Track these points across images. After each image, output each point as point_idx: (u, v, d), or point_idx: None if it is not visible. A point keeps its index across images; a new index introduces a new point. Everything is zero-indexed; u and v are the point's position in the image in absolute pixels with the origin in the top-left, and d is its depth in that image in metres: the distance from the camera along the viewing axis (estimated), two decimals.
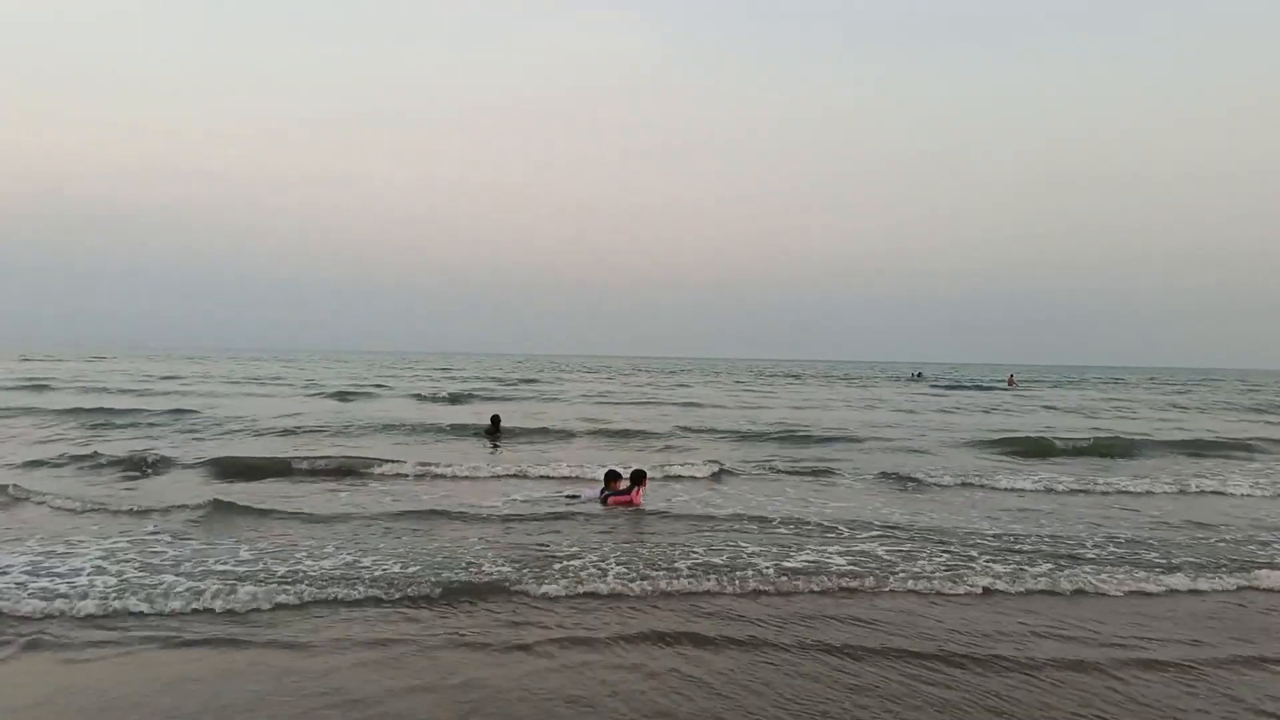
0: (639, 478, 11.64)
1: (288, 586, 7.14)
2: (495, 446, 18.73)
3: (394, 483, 13.66)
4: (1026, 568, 8.36)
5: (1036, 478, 15.06)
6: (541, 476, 14.40)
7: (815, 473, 15.56)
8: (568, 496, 12.08)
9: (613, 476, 11.72)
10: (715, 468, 15.37)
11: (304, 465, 14.77)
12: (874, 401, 40.69)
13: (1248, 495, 14.02)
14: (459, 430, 21.36)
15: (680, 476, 14.73)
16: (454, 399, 35.61)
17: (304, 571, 7.66)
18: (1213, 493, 14.19)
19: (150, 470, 14.39)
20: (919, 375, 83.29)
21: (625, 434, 21.85)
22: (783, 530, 10.11)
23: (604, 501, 11.33)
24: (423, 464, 14.87)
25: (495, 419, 20.52)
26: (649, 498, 11.91)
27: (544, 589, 7.31)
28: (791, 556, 8.64)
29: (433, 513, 10.71)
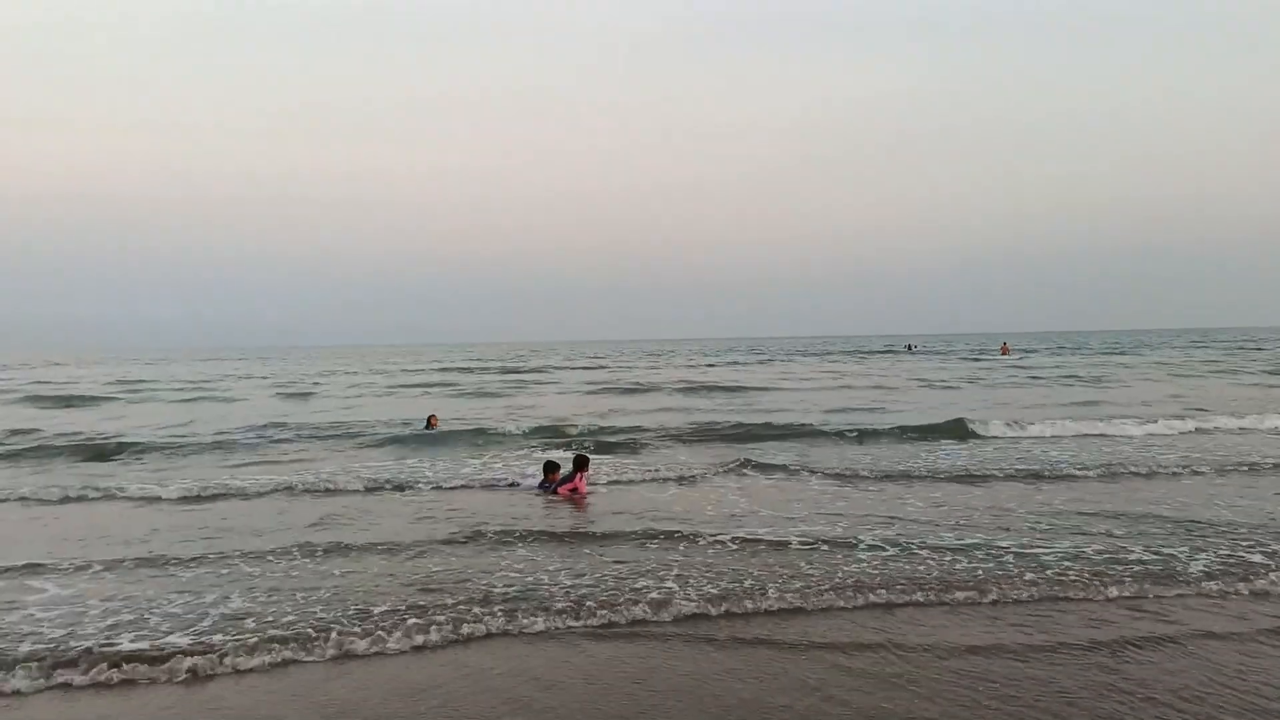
0: (581, 464, 11.51)
1: None
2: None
3: None
4: None
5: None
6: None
7: None
8: (509, 485, 12.31)
9: (551, 468, 11.78)
10: None
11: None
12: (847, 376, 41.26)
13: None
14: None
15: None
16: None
17: None
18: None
19: None
20: (911, 348, 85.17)
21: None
22: None
23: (552, 491, 11.34)
24: None
25: (431, 417, 20.84)
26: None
27: None
28: None
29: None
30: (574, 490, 11.21)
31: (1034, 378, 37.36)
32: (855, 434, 17.71)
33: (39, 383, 45.26)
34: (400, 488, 12.28)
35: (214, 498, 11.62)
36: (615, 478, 12.73)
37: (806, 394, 31.24)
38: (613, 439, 17.59)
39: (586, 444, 16.68)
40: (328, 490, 12.09)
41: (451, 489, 12.28)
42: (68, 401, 32.33)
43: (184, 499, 11.56)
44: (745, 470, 13.38)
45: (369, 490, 12.11)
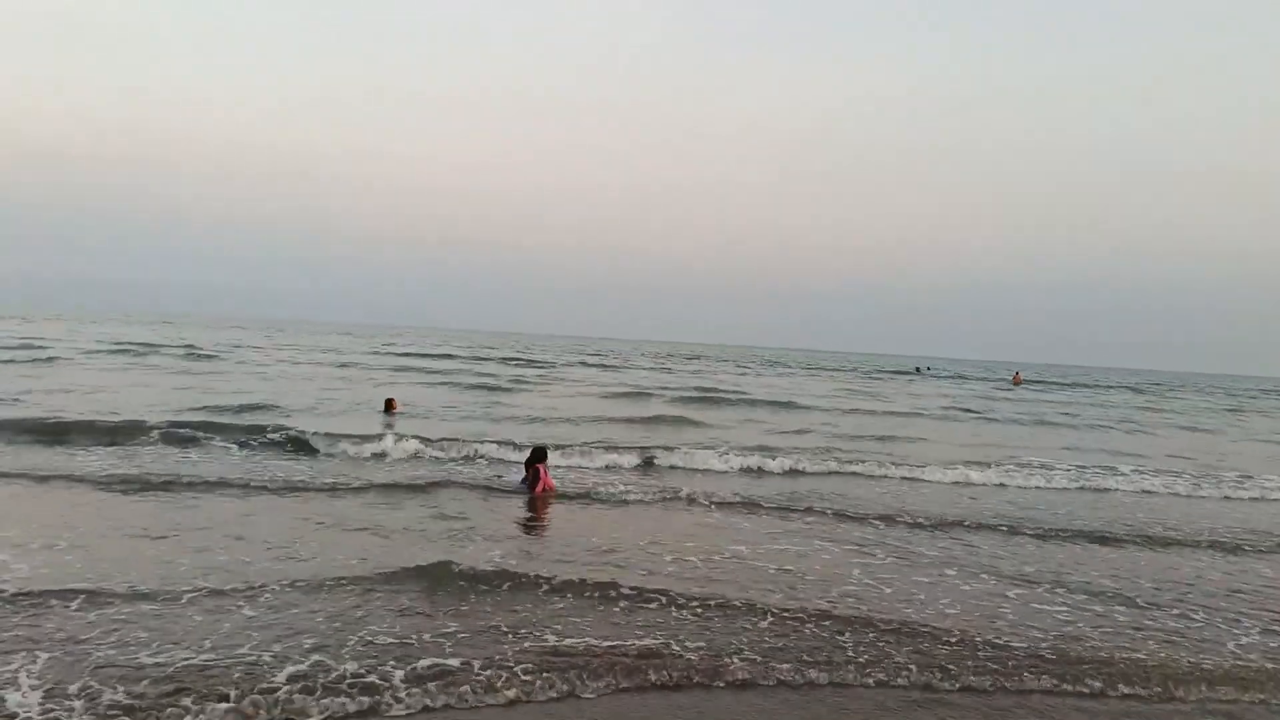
0: (539, 456, 11.39)
1: None
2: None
3: None
4: None
5: None
6: None
7: None
8: (495, 476, 12.11)
9: (529, 464, 11.51)
10: None
11: None
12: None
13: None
14: None
15: None
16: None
17: None
18: None
19: None
20: (923, 370, 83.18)
21: None
22: None
23: (530, 485, 11.13)
24: None
25: (389, 401, 20.43)
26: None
27: None
28: None
29: None
30: (544, 485, 11.06)
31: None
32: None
33: None
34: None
35: None
36: None
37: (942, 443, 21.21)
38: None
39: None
40: None
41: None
42: None
43: None
44: None
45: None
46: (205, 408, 18.03)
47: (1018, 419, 30.51)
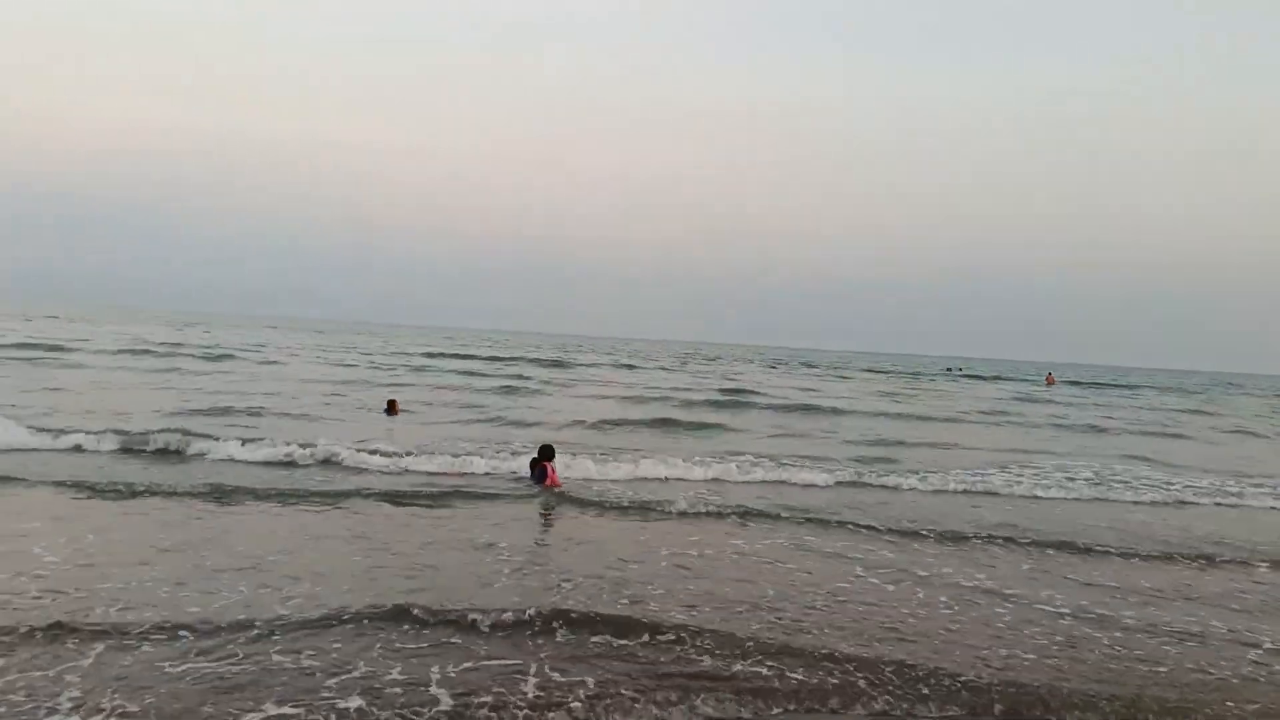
0: (546, 454, 11.46)
1: None
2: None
3: None
4: None
5: None
6: None
7: None
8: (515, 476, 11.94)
9: (535, 462, 11.58)
10: None
11: None
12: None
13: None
14: None
15: None
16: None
17: None
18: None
19: None
20: (954, 370, 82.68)
21: None
22: None
23: (538, 481, 11.25)
24: None
25: (391, 402, 20.04)
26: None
27: None
28: None
29: None
30: (552, 484, 11.12)
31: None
32: None
33: None
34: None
35: None
36: None
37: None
38: None
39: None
40: None
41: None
42: None
43: None
44: None
45: None
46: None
47: (1103, 426, 27.70)
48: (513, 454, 13.50)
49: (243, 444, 12.60)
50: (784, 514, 10.22)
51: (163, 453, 12.41)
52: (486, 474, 12.03)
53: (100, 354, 33.30)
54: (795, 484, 12.80)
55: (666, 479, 12.53)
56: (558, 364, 49.05)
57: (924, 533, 9.72)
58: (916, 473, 14.00)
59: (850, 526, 9.85)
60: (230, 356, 36.71)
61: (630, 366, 52.40)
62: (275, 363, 35.99)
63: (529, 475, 11.56)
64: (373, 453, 12.50)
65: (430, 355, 49.07)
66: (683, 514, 10.05)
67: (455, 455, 12.83)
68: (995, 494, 12.97)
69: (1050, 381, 63.96)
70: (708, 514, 10.13)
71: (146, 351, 36.01)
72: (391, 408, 19.50)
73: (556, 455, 11.80)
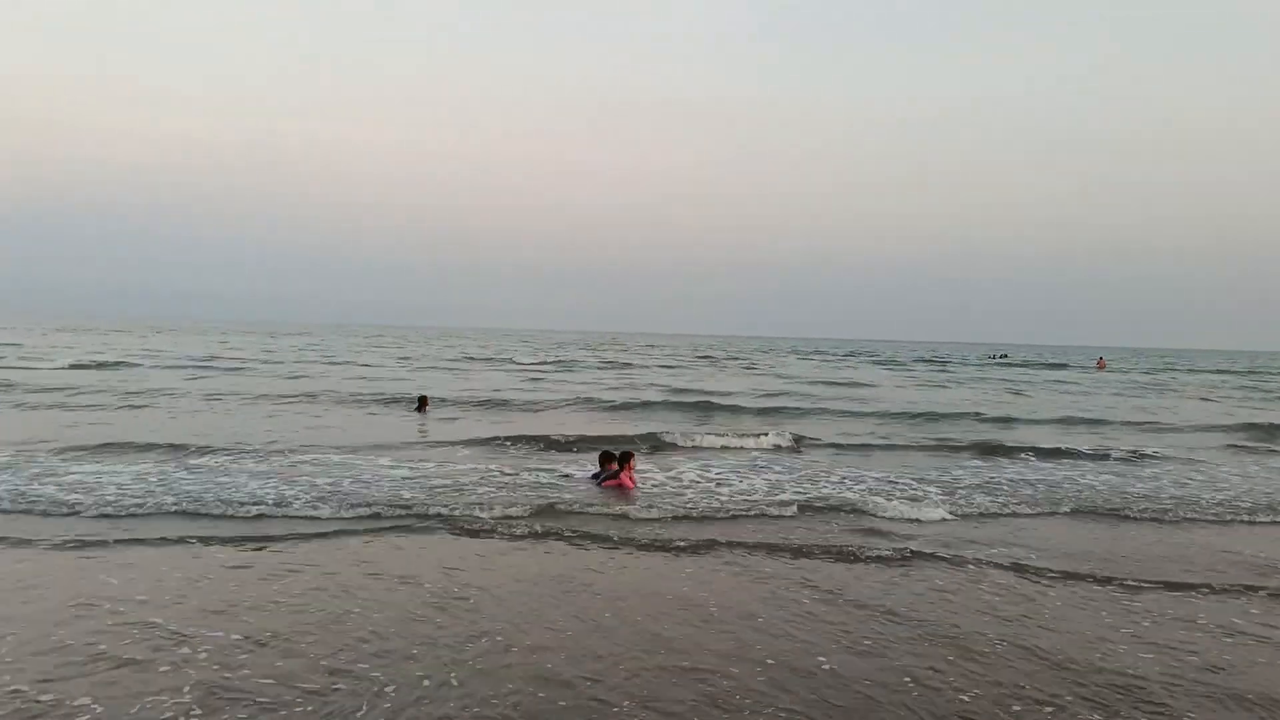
0: (626, 459, 11.08)
1: None
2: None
3: None
4: None
5: None
6: None
7: None
8: (562, 475, 11.55)
9: (607, 458, 11.17)
10: None
11: None
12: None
13: None
14: None
15: None
16: None
17: None
18: None
19: None
20: (1002, 356, 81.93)
21: None
22: None
23: (599, 484, 10.87)
24: None
25: (423, 399, 19.96)
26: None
27: None
28: None
29: None
30: (619, 485, 10.70)
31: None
32: None
33: None
34: None
35: None
36: None
37: None
38: None
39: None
40: None
41: None
42: None
43: None
44: None
45: None
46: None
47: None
48: None
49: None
50: None
51: None
52: None
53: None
54: None
55: None
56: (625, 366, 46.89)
57: None
58: None
59: None
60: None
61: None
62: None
63: (594, 476, 11.15)
64: None
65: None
66: None
67: None
68: None
69: (1101, 366, 62.04)
70: None
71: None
72: (422, 404, 19.38)
73: None
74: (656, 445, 14.49)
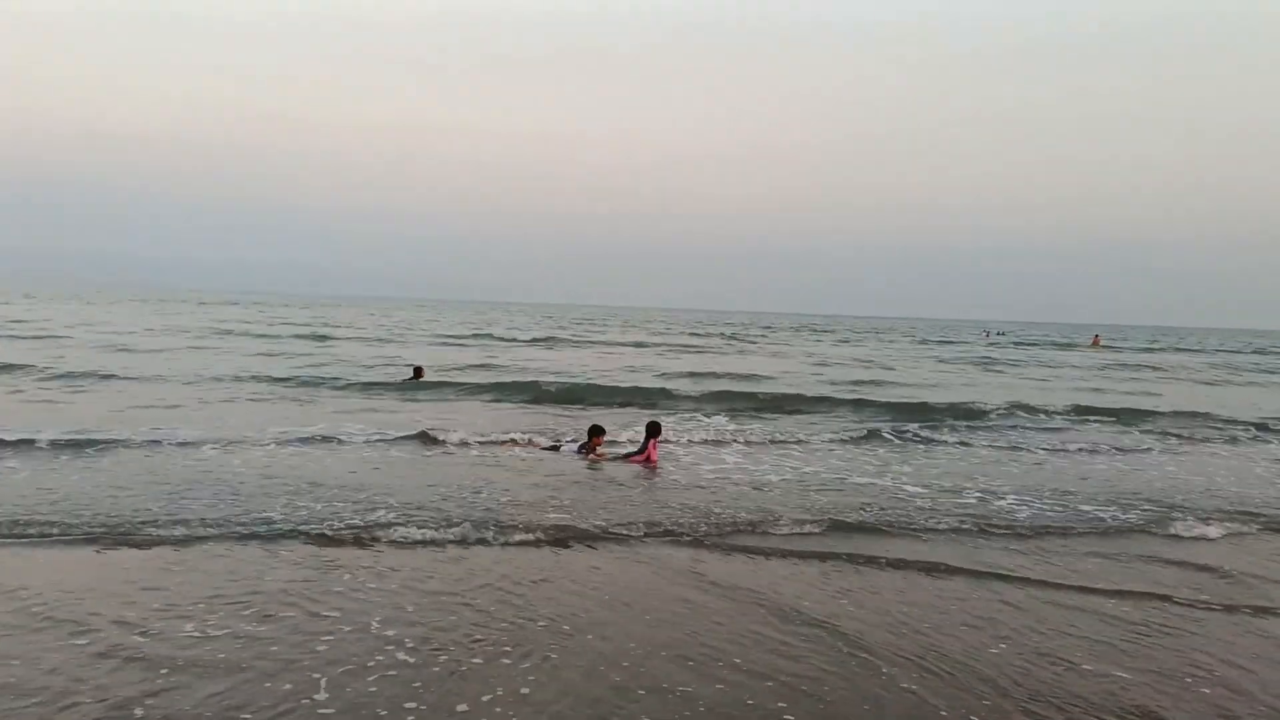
0: (654, 430, 10.86)
1: None
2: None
3: None
4: None
5: None
6: None
7: None
8: (546, 448, 11.46)
9: (596, 432, 11.05)
10: None
11: None
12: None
13: None
14: None
15: None
16: None
17: None
18: None
19: None
20: (991, 334, 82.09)
21: None
22: None
23: (582, 454, 10.85)
24: None
25: (418, 369, 19.80)
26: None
27: None
28: None
29: None
30: (647, 459, 10.54)
31: None
32: None
33: None
34: None
35: None
36: None
37: None
38: None
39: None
40: None
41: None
42: None
43: None
44: None
45: None
46: None
47: None
48: None
49: None
50: None
51: None
52: None
53: None
54: None
55: None
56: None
57: None
58: None
59: None
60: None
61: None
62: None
63: (582, 447, 11.05)
64: None
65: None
66: None
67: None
68: None
69: (1095, 343, 61.83)
70: None
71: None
72: (418, 374, 19.29)
73: None
74: None
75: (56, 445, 9.79)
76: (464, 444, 11.28)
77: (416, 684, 4.21)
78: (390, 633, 4.81)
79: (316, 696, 4.04)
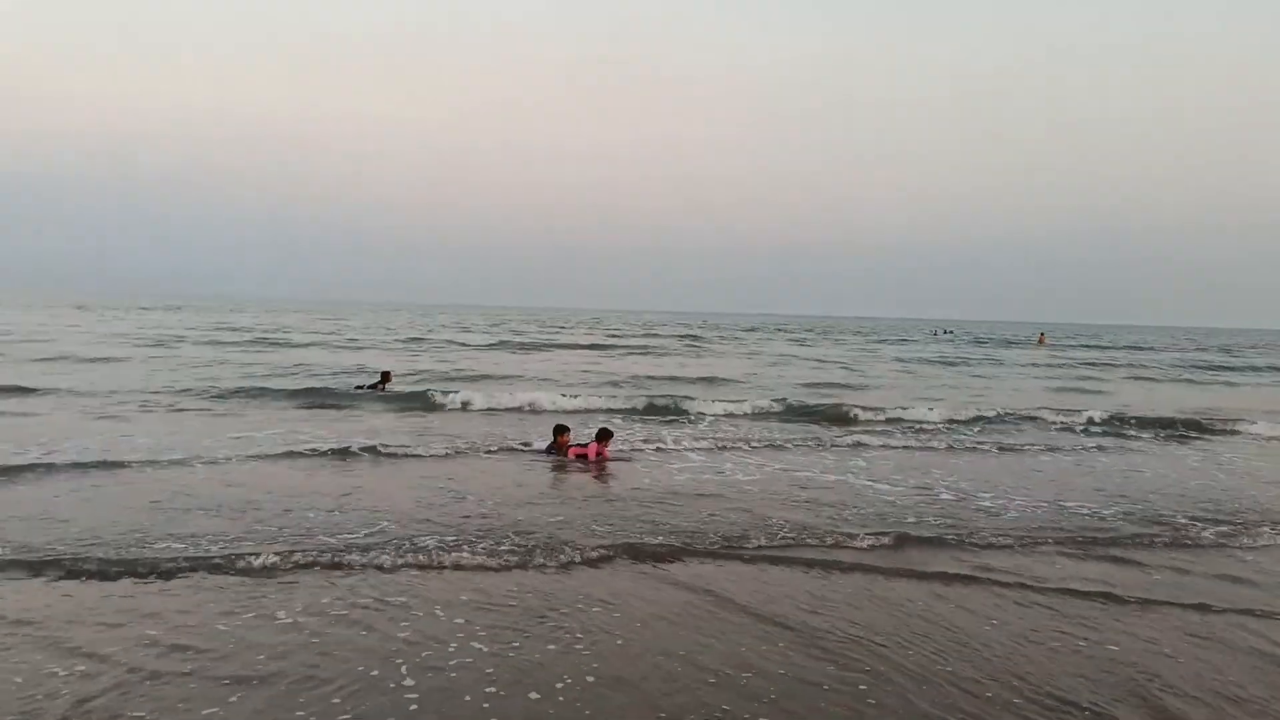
0: (604, 435, 11.61)
1: None
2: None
3: None
4: None
5: None
6: None
7: None
8: (521, 444, 12.25)
9: (561, 430, 11.81)
10: None
11: None
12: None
13: None
14: None
15: None
16: None
17: None
18: None
19: None
20: (945, 332, 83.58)
21: None
22: None
23: (549, 452, 11.61)
24: None
25: (385, 374, 19.71)
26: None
27: None
28: None
29: None
30: (583, 457, 11.26)
31: None
32: None
33: None
34: None
35: None
36: None
37: None
38: None
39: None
40: None
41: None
42: None
43: None
44: None
45: None
46: None
47: None
48: None
49: None
50: None
51: None
52: None
53: None
54: None
55: None
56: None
57: None
58: None
59: None
60: None
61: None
62: None
63: (550, 446, 11.75)
64: None
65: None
66: None
67: None
68: None
69: (1042, 341, 63.45)
70: None
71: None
72: (385, 379, 19.05)
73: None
74: None
75: None
76: (456, 451, 11.59)
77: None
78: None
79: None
